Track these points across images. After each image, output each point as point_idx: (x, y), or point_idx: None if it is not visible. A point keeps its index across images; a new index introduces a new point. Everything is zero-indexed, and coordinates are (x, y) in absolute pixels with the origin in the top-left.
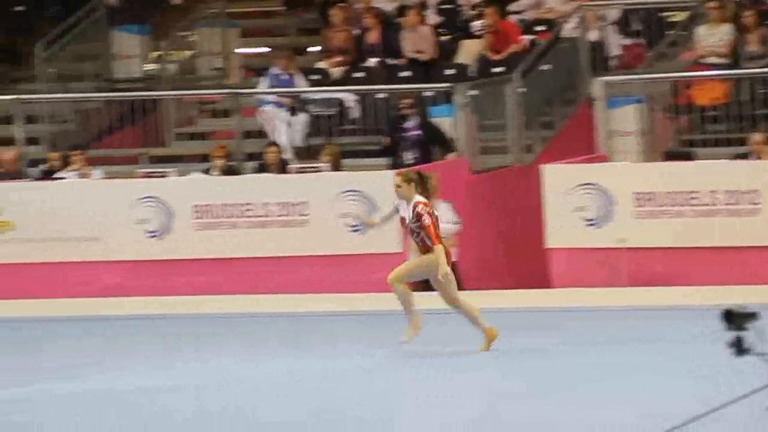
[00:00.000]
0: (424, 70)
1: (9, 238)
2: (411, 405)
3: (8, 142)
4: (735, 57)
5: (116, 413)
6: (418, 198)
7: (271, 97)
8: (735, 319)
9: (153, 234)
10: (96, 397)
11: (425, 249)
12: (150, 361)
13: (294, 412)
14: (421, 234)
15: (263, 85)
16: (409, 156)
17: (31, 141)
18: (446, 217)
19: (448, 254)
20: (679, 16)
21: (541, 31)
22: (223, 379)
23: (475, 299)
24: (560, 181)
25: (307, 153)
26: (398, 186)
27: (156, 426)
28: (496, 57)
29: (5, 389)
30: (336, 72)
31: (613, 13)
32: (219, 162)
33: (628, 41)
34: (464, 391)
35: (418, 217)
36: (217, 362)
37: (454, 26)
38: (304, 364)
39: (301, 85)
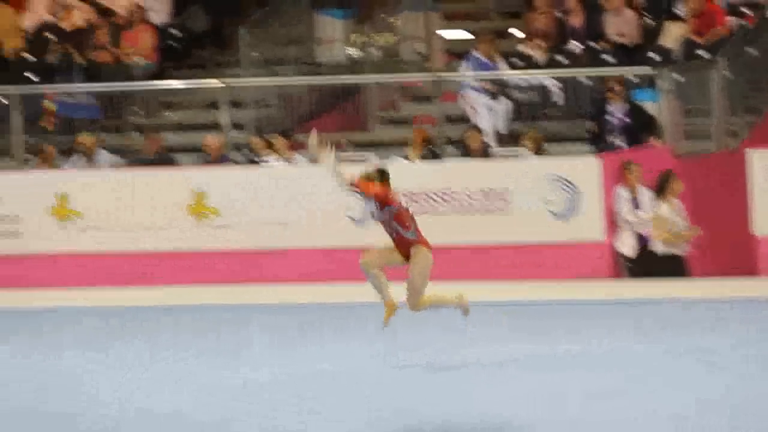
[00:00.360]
0: (628, 54)
1: (214, 224)
2: (557, 398)
3: (213, 127)
4: None
5: (303, 396)
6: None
7: (473, 82)
8: None
9: (357, 220)
10: (277, 382)
11: (403, 243)
12: (331, 347)
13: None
14: (392, 224)
15: (465, 70)
16: (615, 141)
17: (236, 126)
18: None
19: (428, 246)
20: None
21: (748, 14)
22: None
23: (679, 287)
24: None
25: (509, 138)
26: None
27: (346, 409)
28: (701, 40)
29: (234, 373)
30: (538, 56)
31: None
32: (418, 147)
33: None
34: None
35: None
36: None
37: (659, 9)
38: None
39: (504, 70)
